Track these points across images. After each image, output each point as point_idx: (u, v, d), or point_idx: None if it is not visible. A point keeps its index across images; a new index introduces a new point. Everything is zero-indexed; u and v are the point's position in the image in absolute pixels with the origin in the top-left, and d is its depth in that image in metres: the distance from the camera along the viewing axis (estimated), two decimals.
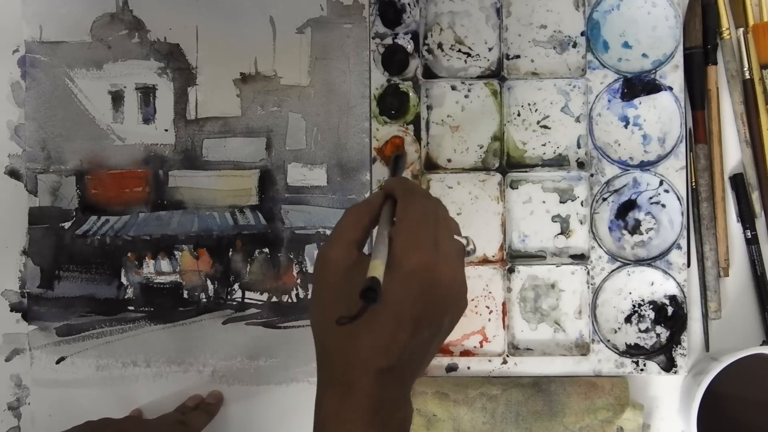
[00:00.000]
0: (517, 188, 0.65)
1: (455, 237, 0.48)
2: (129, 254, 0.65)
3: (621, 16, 0.65)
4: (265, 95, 0.65)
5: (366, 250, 0.48)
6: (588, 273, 0.64)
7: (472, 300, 0.64)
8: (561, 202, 0.65)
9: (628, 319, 0.64)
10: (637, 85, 0.64)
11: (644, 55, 0.65)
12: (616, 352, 0.63)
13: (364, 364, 0.42)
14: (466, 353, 0.64)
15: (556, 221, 0.65)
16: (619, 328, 0.64)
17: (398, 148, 0.64)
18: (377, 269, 0.41)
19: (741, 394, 0.61)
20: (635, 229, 0.64)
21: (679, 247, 0.64)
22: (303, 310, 0.64)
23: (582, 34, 0.65)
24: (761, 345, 0.63)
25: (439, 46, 0.66)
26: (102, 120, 0.65)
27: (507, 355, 0.64)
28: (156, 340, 0.65)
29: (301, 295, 0.65)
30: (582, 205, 0.65)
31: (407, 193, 0.48)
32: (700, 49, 0.64)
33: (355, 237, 0.46)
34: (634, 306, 0.64)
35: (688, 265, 0.64)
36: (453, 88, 0.65)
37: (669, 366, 0.63)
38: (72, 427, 0.56)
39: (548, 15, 0.65)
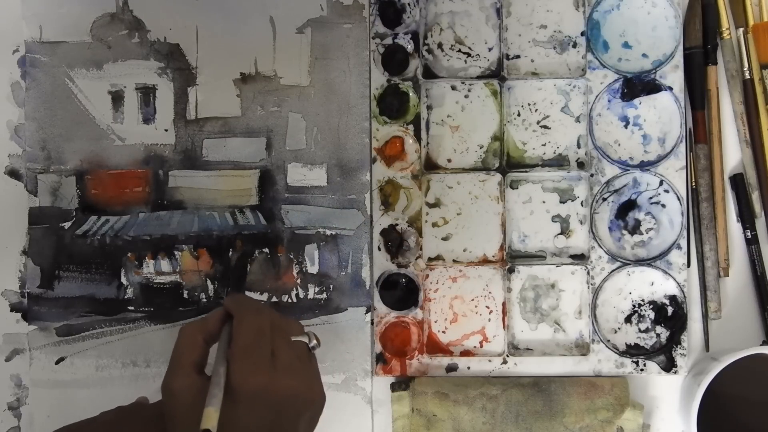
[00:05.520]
0: (517, 188, 0.65)
1: (295, 339, 0.50)
2: (129, 254, 0.65)
3: (621, 16, 0.65)
4: (265, 95, 0.65)
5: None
6: (588, 273, 0.64)
7: (473, 300, 0.64)
8: (561, 202, 0.65)
9: (628, 319, 0.64)
10: (637, 85, 0.64)
11: (644, 55, 0.65)
12: (616, 352, 0.63)
13: None
14: (466, 353, 0.64)
15: (556, 221, 0.65)
16: (619, 328, 0.64)
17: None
18: (210, 419, 0.43)
19: (741, 394, 0.61)
20: (635, 229, 0.64)
21: (679, 247, 0.64)
22: (303, 310, 0.64)
23: (582, 34, 0.65)
24: (761, 345, 0.63)
25: (439, 46, 0.66)
26: (102, 120, 0.65)
27: (507, 355, 0.64)
28: (156, 340, 0.65)
29: (301, 296, 0.65)
30: (582, 205, 0.65)
31: (239, 309, 0.51)
32: (700, 49, 0.64)
33: (193, 359, 0.49)
34: (634, 306, 0.64)
35: (688, 265, 0.64)
36: (453, 88, 0.65)
37: (669, 366, 0.63)
38: (101, 413, 0.56)
39: (548, 15, 0.65)
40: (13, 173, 0.65)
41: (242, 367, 0.46)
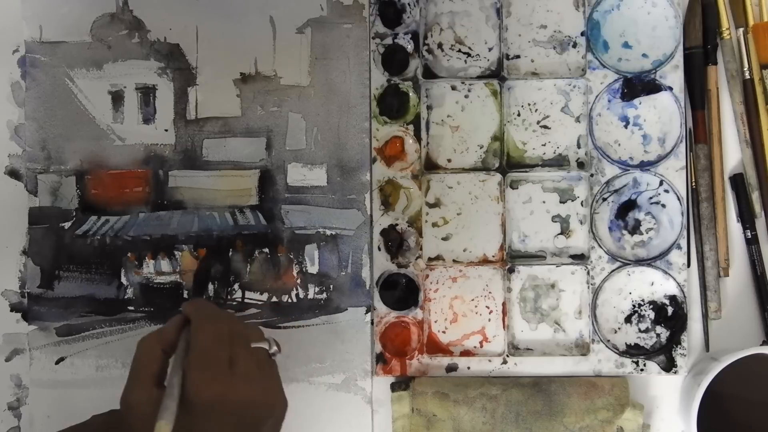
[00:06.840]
0: (517, 188, 0.65)
1: (255, 345, 0.49)
2: (129, 254, 0.65)
3: (621, 16, 0.65)
4: (265, 95, 0.65)
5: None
6: (588, 273, 0.64)
7: (473, 300, 0.64)
8: (561, 202, 0.65)
9: (628, 319, 0.64)
10: (637, 85, 0.64)
11: (644, 55, 0.65)
12: (616, 352, 0.63)
13: None
14: (466, 353, 0.64)
15: (556, 221, 0.65)
16: (619, 328, 0.64)
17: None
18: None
19: (741, 394, 0.61)
20: (635, 229, 0.64)
21: (679, 247, 0.63)
22: (303, 310, 0.64)
23: (582, 34, 0.65)
24: (761, 345, 0.63)
25: (439, 46, 0.66)
26: (102, 120, 0.65)
27: (507, 355, 0.64)
28: None
29: (301, 296, 0.65)
30: (582, 205, 0.65)
31: (197, 316, 0.49)
32: (700, 49, 0.64)
33: (152, 372, 0.47)
34: (634, 306, 0.64)
35: (688, 265, 0.64)
36: (453, 88, 0.65)
37: (669, 366, 0.63)
38: (92, 416, 0.55)
39: (548, 15, 0.65)
40: (13, 173, 0.65)
41: (198, 377, 0.45)
